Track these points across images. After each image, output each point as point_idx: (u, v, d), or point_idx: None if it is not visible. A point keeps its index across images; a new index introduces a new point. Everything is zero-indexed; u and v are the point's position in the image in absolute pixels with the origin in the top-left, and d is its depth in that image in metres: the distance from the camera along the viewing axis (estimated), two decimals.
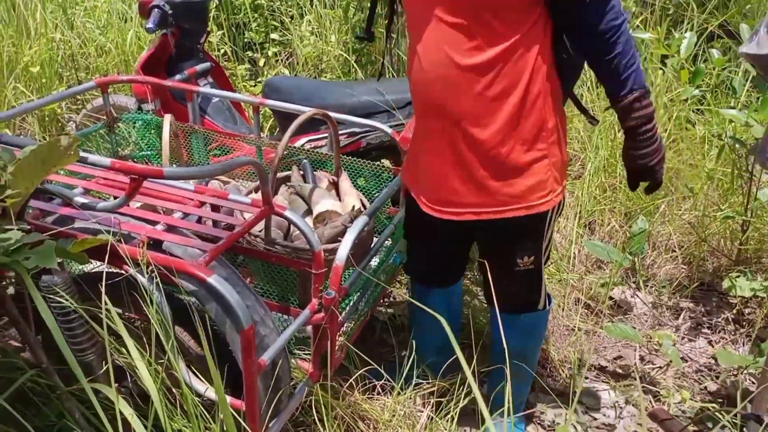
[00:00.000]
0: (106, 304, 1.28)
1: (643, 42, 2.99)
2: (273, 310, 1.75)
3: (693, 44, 2.09)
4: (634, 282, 2.66)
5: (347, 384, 1.83)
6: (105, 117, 2.36)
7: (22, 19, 3.58)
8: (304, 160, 2.10)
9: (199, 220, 1.65)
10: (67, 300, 1.25)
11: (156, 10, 2.53)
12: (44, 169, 1.23)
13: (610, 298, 2.50)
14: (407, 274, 2.02)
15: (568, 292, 2.45)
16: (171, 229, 1.46)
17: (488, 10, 1.40)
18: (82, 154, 1.30)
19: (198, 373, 1.54)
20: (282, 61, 4.11)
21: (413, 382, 1.91)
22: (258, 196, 1.96)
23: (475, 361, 1.72)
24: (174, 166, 2.46)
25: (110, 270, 1.40)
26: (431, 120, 1.58)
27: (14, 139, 1.37)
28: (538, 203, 1.58)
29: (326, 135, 2.52)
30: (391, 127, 2.26)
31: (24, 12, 3.62)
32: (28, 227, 1.21)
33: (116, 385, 1.62)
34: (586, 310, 2.49)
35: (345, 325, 1.80)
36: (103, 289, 1.21)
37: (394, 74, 3.58)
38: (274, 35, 4.07)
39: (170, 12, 2.59)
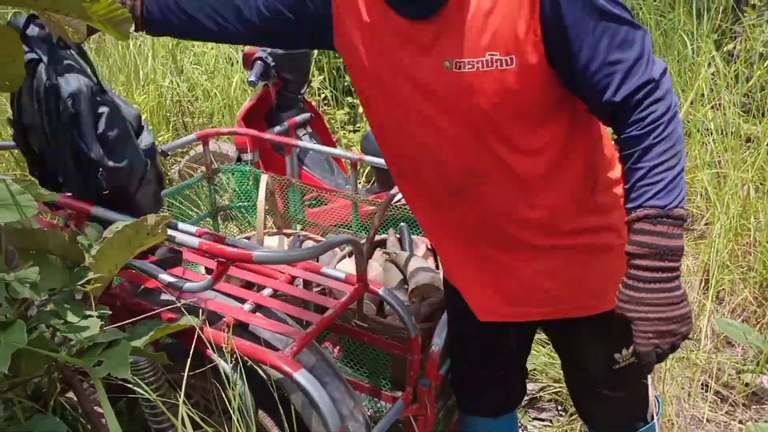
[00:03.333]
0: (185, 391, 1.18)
1: None
2: (362, 391, 1.62)
3: None
4: None
5: None
6: (205, 167, 2.35)
7: (134, 67, 3.73)
8: (402, 224, 1.97)
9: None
10: (145, 391, 1.16)
11: (259, 62, 2.52)
12: (129, 250, 1.16)
13: (746, 384, 2.18)
14: (461, 405, 1.58)
15: (696, 376, 2.16)
16: (259, 308, 1.36)
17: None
18: (170, 232, 1.22)
19: None
20: None
21: None
22: (350, 264, 1.84)
23: None
24: (270, 219, 2.41)
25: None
26: None
27: (106, 213, 1.32)
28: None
29: None
30: None
31: (137, 58, 3.77)
32: (109, 312, 1.14)
33: None
34: (716, 397, 2.18)
35: (441, 412, 1.63)
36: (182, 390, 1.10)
37: None
38: None
39: (273, 64, 2.56)
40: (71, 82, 1.33)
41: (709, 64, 3.33)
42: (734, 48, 3.69)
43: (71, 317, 1.09)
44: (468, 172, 1.17)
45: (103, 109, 1.36)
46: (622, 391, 1.36)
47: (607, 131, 1.25)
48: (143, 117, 1.56)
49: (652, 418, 1.42)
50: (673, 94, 1.06)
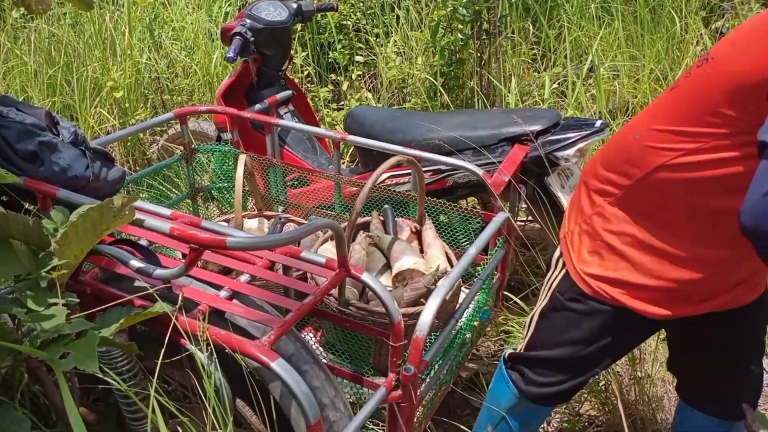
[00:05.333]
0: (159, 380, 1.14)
1: None
2: (344, 377, 1.58)
3: None
4: None
5: None
6: (183, 147, 2.28)
7: (110, 43, 3.61)
8: (386, 206, 1.92)
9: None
10: (116, 381, 1.12)
11: (237, 38, 2.43)
12: (95, 234, 1.11)
13: None
14: (540, 401, 1.54)
15: None
16: (236, 295, 1.31)
17: None
18: (138, 215, 1.17)
19: None
20: (366, 83, 3.97)
21: None
22: (333, 247, 1.79)
23: None
24: (250, 201, 2.35)
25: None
26: None
27: (74, 196, 1.26)
28: None
29: (410, 171, 2.33)
30: (480, 165, 2.06)
31: (113, 33, 3.65)
32: (77, 300, 1.08)
33: None
34: None
35: (424, 399, 1.60)
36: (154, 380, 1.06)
37: (485, 102, 3.35)
38: (358, 57, 3.94)
39: (252, 39, 2.48)
40: None
41: (697, 41, 3.29)
42: (722, 25, 3.66)
43: (36, 306, 1.03)
44: None
45: (7, 131, 1.31)
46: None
47: None
48: (54, 112, 1.50)
49: None
50: None
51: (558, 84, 3.51)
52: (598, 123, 2.24)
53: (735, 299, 1.35)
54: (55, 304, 1.05)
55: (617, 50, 3.55)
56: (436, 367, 1.64)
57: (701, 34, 3.31)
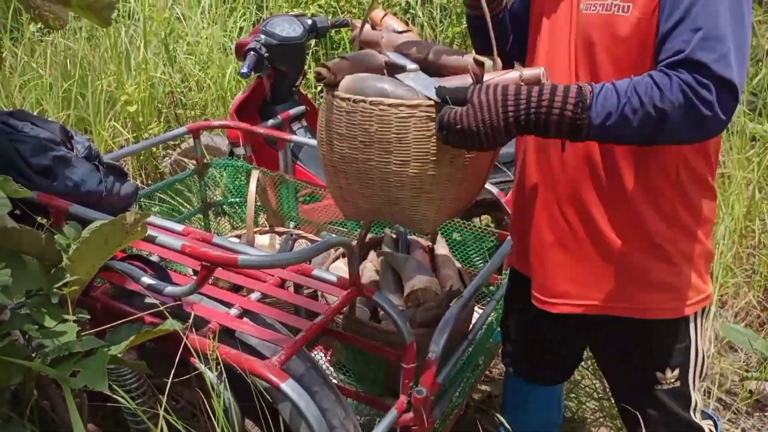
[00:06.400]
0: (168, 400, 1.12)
1: None
2: (354, 398, 1.56)
3: None
4: None
5: None
6: (195, 162, 2.28)
7: (125, 57, 3.64)
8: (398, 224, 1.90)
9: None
10: (124, 399, 1.10)
11: (252, 53, 2.43)
12: (107, 250, 1.10)
13: (750, 392, 2.13)
14: (505, 364, 1.68)
15: None
16: (246, 313, 1.30)
17: None
18: (150, 232, 1.16)
19: None
20: None
21: None
22: (344, 265, 1.77)
23: None
24: (262, 216, 2.34)
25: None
26: None
27: (87, 211, 1.26)
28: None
29: None
30: (495, 184, 2.04)
31: (128, 47, 3.67)
32: (88, 317, 1.07)
33: None
34: (718, 404, 2.13)
35: (437, 421, 1.57)
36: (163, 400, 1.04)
37: None
38: None
39: (266, 55, 2.48)
40: None
41: None
42: None
43: (47, 322, 1.03)
44: None
45: (22, 145, 1.32)
46: (660, 412, 1.35)
47: None
48: (68, 126, 1.50)
49: None
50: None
51: None
52: None
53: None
54: (66, 320, 1.04)
55: None
56: (449, 389, 1.61)
57: None
